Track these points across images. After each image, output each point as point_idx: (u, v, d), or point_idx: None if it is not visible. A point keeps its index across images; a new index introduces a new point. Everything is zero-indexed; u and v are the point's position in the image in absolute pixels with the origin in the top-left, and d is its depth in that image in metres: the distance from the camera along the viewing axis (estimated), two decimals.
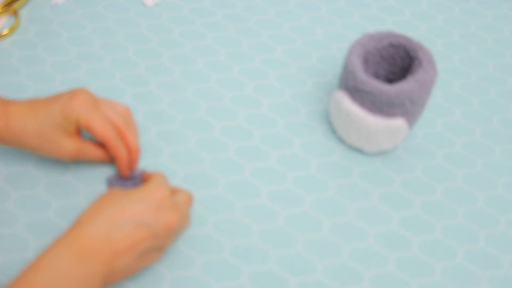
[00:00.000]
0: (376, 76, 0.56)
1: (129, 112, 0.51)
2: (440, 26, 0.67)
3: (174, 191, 0.47)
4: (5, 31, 0.62)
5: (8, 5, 0.64)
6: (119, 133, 0.49)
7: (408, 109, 0.50)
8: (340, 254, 0.48)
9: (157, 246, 0.43)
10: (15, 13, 0.63)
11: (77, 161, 0.49)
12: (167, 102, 0.58)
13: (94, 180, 0.51)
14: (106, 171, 0.52)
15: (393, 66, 0.55)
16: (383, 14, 0.68)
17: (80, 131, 0.48)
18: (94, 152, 0.49)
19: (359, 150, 0.55)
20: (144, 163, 0.53)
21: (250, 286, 0.46)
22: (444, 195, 0.53)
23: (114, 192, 0.43)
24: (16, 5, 0.64)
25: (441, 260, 0.49)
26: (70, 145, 0.47)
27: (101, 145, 0.50)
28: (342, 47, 0.64)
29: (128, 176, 0.51)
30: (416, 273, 0.48)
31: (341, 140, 0.56)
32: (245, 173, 0.53)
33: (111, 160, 0.51)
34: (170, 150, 0.54)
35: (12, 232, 0.48)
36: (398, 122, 0.50)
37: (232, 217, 0.50)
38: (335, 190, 0.52)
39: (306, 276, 0.47)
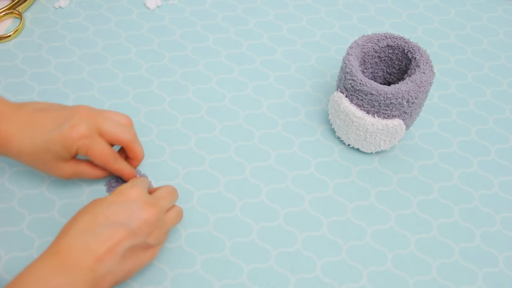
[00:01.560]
0: (374, 77, 0.57)
1: (131, 122, 0.50)
2: (437, 28, 0.68)
3: (156, 189, 0.47)
4: (10, 33, 0.62)
5: (12, 7, 0.65)
6: (125, 147, 0.49)
7: (406, 110, 0.50)
8: (339, 252, 0.49)
9: (141, 243, 0.42)
10: (20, 16, 0.64)
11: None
12: (168, 102, 0.59)
13: (97, 180, 0.52)
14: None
15: (391, 67, 0.56)
16: (380, 16, 0.68)
17: (76, 156, 0.48)
18: (90, 172, 0.49)
19: (357, 150, 0.56)
20: (146, 163, 0.54)
21: (250, 284, 0.47)
22: (441, 194, 0.53)
23: (90, 202, 0.43)
24: (20, 8, 0.65)
25: (438, 258, 0.49)
26: (65, 169, 0.47)
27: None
28: (341, 49, 0.65)
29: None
30: (413, 270, 0.48)
31: (340, 140, 0.56)
32: (245, 172, 0.54)
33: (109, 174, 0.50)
34: (171, 150, 0.55)
35: (16, 230, 0.49)
36: (396, 123, 0.51)
37: (233, 215, 0.51)
38: (333, 189, 0.53)
39: (305, 274, 0.48)
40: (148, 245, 0.43)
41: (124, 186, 0.44)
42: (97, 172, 0.49)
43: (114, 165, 0.47)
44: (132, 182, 0.46)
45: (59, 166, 0.47)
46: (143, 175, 0.51)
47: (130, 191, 0.43)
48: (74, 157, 0.48)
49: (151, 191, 0.47)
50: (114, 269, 0.40)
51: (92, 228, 0.40)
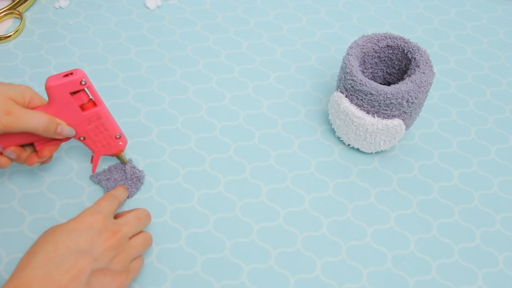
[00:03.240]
0: (374, 77, 0.57)
1: None
2: (437, 28, 0.68)
3: (127, 212, 0.47)
4: (10, 33, 0.62)
5: (13, 8, 0.65)
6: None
7: (406, 110, 0.50)
8: (339, 252, 0.49)
9: (104, 269, 0.42)
10: (20, 16, 0.64)
11: None
12: (168, 102, 0.59)
13: (97, 180, 0.52)
14: None
15: (391, 67, 0.56)
16: (380, 16, 0.69)
17: None
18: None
19: (357, 150, 0.56)
20: (146, 163, 0.54)
21: (250, 284, 0.47)
22: (441, 194, 0.53)
23: (48, 230, 0.42)
24: (21, 8, 0.65)
25: (438, 257, 0.49)
26: None
27: None
28: (341, 49, 0.65)
29: (112, 168, 0.52)
30: (413, 270, 0.48)
31: (340, 140, 0.57)
32: (245, 172, 0.54)
33: None
34: (172, 149, 0.55)
35: (17, 231, 0.49)
36: (396, 123, 0.51)
37: (233, 215, 0.51)
38: (333, 189, 0.53)
39: (305, 274, 0.48)
40: (114, 272, 0.42)
41: (86, 212, 0.44)
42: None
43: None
44: (95, 207, 0.44)
45: None
46: (139, 170, 0.52)
47: (91, 218, 0.43)
48: None
49: (121, 215, 0.47)
50: None
51: (54, 258, 0.39)
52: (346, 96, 0.52)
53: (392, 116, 0.51)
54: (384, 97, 0.49)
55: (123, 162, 0.51)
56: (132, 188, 0.51)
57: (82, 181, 0.52)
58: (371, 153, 0.56)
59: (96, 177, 0.51)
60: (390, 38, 0.53)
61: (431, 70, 0.51)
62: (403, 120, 0.51)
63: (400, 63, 0.55)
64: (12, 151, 0.45)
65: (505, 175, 0.55)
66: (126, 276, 0.43)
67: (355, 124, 0.52)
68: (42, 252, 0.39)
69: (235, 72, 0.62)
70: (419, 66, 0.51)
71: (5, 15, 0.64)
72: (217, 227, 0.50)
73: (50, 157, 0.48)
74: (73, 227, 0.42)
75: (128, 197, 0.51)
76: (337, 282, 0.47)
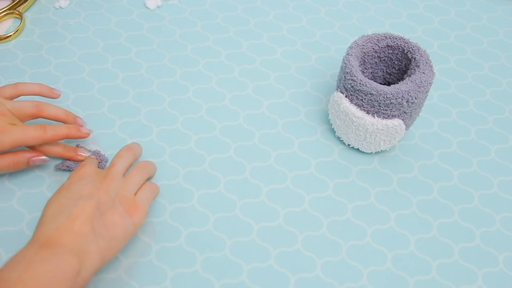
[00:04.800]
0: (374, 77, 0.57)
1: (41, 89, 0.52)
2: (437, 28, 0.68)
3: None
4: (10, 33, 0.62)
5: (13, 8, 0.65)
6: (36, 114, 0.50)
7: (406, 110, 0.50)
8: (339, 252, 0.49)
9: (110, 208, 0.44)
10: (20, 16, 0.64)
11: None
12: (168, 102, 0.59)
13: None
14: None
15: (391, 67, 0.56)
16: (380, 16, 0.69)
17: None
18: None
19: (357, 150, 0.56)
20: None
21: (250, 283, 0.47)
22: (441, 194, 0.53)
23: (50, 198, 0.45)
24: (21, 8, 0.65)
25: (438, 257, 0.49)
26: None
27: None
28: (341, 49, 0.65)
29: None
30: (413, 270, 0.48)
31: (340, 140, 0.57)
32: (245, 172, 0.54)
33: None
34: (171, 150, 0.55)
35: (16, 230, 0.49)
36: (396, 123, 0.51)
37: (233, 215, 0.51)
38: (333, 189, 0.53)
39: (305, 274, 0.48)
40: (121, 210, 0.44)
41: (75, 169, 0.48)
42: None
43: (47, 134, 0.49)
44: (81, 163, 0.49)
45: None
46: (94, 153, 0.52)
47: (81, 170, 0.47)
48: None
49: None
50: (94, 239, 0.42)
51: (61, 211, 0.42)
52: (346, 96, 0.52)
53: (392, 116, 0.51)
54: (384, 97, 0.49)
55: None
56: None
57: None
58: (371, 153, 0.56)
59: (63, 165, 0.52)
60: (390, 38, 0.54)
61: (431, 70, 0.51)
62: (403, 120, 0.51)
63: (400, 63, 0.55)
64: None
65: (505, 175, 0.55)
66: (135, 210, 0.45)
67: (355, 124, 0.52)
68: (50, 210, 0.43)
69: (235, 72, 0.62)
70: (419, 66, 0.51)
71: (5, 15, 0.64)
72: (217, 227, 0.50)
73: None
74: (69, 183, 0.45)
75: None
76: (337, 282, 0.47)
